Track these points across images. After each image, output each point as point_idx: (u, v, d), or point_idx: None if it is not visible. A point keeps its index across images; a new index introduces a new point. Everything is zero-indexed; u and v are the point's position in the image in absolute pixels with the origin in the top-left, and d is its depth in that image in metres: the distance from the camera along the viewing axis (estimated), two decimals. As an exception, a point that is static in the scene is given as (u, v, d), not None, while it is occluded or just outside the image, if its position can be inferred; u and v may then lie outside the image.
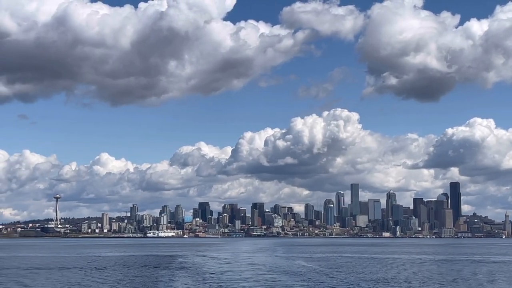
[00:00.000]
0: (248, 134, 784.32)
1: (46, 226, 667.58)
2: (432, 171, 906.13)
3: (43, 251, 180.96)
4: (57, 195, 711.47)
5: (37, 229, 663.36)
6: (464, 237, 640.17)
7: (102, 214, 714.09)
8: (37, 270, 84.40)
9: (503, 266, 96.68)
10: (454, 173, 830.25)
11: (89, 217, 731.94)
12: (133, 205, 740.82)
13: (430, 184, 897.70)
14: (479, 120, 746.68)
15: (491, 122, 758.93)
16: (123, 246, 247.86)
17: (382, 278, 68.10)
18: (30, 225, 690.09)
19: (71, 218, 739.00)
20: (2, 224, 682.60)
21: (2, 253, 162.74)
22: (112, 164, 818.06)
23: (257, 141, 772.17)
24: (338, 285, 58.63)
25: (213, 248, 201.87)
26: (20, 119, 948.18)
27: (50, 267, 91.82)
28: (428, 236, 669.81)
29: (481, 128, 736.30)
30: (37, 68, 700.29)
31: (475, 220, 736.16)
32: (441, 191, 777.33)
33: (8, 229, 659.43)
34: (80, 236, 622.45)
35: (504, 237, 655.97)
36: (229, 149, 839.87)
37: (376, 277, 70.33)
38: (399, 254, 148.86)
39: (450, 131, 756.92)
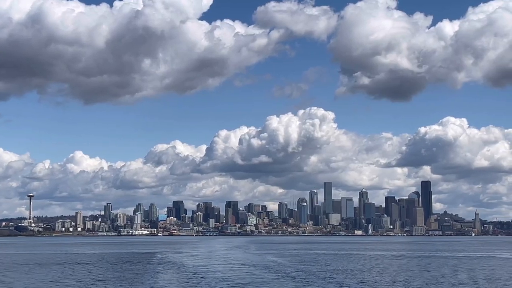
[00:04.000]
0: (223, 133, 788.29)
1: (19, 224, 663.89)
2: (405, 169, 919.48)
3: (19, 249, 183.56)
4: (30, 194, 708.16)
5: (10, 228, 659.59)
6: (434, 235, 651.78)
7: (76, 213, 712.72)
8: (17, 266, 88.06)
9: (468, 261, 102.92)
10: (426, 171, 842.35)
11: (62, 215, 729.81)
12: (107, 203, 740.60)
13: (403, 182, 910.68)
14: (452, 119, 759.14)
15: (463, 122, 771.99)
16: (99, 244, 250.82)
17: (350, 270, 73.39)
18: (3, 224, 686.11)
19: (44, 216, 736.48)
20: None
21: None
22: (86, 163, 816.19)
23: (232, 139, 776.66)
24: (306, 276, 63.71)
25: (188, 246, 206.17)
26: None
27: (30, 263, 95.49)
28: (399, 234, 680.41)
29: (454, 127, 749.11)
30: (10, 65, 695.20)
31: (446, 218, 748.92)
32: (413, 189, 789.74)
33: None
34: (54, 234, 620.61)
35: (473, 235, 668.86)
36: (204, 148, 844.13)
37: (344, 268, 75.62)
38: (370, 251, 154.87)
39: (423, 129, 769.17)
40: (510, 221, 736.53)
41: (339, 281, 57.61)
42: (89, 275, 67.69)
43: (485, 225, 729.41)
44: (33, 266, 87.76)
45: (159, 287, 52.67)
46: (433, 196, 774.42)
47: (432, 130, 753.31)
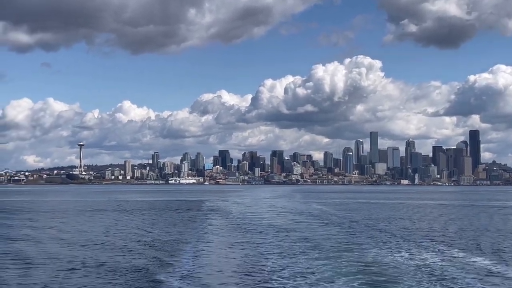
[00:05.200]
0: (269, 82, 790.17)
1: (70, 173, 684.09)
2: (453, 118, 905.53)
3: (74, 196, 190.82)
4: (81, 143, 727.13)
5: (62, 176, 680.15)
6: (482, 185, 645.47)
7: (125, 161, 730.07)
8: (76, 212, 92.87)
9: (508, 210, 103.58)
10: (475, 120, 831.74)
11: (111, 164, 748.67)
12: (154, 152, 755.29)
13: (451, 131, 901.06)
14: (502, 67, 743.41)
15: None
16: (148, 192, 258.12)
17: (393, 218, 75.24)
18: (55, 172, 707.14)
19: (94, 165, 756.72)
20: (27, 171, 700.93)
21: (33, 197, 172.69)
22: (134, 112, 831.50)
23: (278, 88, 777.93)
24: (349, 223, 65.96)
25: (234, 194, 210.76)
26: (43, 68, 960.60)
27: (87, 209, 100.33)
28: (446, 184, 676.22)
29: (505, 75, 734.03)
30: (59, 17, 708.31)
31: (494, 168, 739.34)
32: (462, 138, 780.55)
33: (34, 176, 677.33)
34: (104, 182, 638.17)
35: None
36: (249, 97, 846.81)
37: (387, 216, 77.52)
38: (415, 200, 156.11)
39: (472, 78, 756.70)
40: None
41: (381, 228, 59.66)
42: (143, 221, 71.35)
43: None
44: (92, 212, 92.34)
45: (210, 232, 55.65)
46: (481, 146, 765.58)
47: (481, 78, 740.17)
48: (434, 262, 34.79)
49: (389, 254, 38.48)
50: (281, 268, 32.47)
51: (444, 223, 69.25)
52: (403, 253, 39.57)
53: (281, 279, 28.95)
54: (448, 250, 41.10)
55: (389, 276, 29.76)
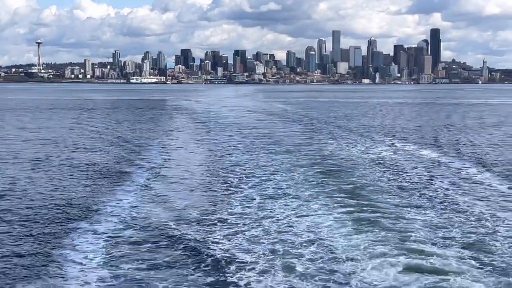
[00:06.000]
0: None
1: (29, 71, 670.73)
2: (415, 16, 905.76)
3: (33, 94, 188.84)
4: (38, 40, 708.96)
5: (20, 74, 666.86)
6: (441, 83, 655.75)
7: (85, 60, 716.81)
8: (37, 111, 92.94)
9: (460, 107, 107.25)
10: (436, 19, 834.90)
11: (71, 62, 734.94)
12: (115, 51, 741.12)
13: (413, 30, 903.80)
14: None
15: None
16: (110, 91, 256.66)
17: (353, 115, 77.67)
18: (13, 70, 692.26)
19: (53, 63, 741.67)
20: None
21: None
22: (93, 8, 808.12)
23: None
24: (309, 120, 68.11)
25: (198, 93, 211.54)
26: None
27: (49, 108, 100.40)
28: (406, 83, 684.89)
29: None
30: None
31: (454, 67, 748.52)
32: (423, 37, 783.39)
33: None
34: (63, 81, 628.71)
35: (480, 82, 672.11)
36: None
37: (348, 114, 79.96)
38: (375, 99, 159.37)
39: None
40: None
41: (340, 125, 61.95)
42: (107, 118, 72.32)
43: (492, 73, 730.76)
44: (55, 110, 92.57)
45: (175, 130, 57.16)
46: (442, 44, 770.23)
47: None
48: (387, 155, 37.04)
49: (346, 149, 40.66)
50: (243, 162, 34.29)
51: (402, 121, 72.01)
52: (359, 147, 41.81)
53: (243, 170, 30.79)
54: (403, 145, 43.49)
55: (344, 167, 31.85)
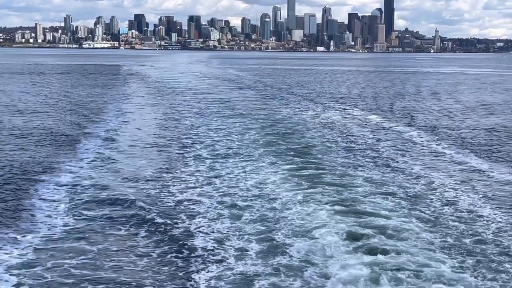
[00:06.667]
0: None
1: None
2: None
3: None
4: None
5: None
6: (394, 52, 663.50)
7: (35, 24, 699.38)
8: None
9: (411, 75, 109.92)
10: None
11: (21, 26, 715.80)
12: (66, 15, 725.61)
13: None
14: None
15: None
16: (62, 55, 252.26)
17: (306, 82, 79.13)
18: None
19: (3, 27, 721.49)
20: None
21: None
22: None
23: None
24: (264, 87, 69.27)
25: (152, 59, 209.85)
26: None
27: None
28: (360, 51, 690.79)
29: None
30: None
31: (407, 35, 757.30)
32: (377, 6, 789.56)
33: None
34: (14, 46, 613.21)
35: (432, 51, 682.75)
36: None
37: (301, 81, 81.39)
38: (329, 67, 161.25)
39: None
40: (469, 38, 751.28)
41: (293, 92, 63.37)
42: (60, 84, 72.01)
43: (444, 42, 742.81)
44: (7, 75, 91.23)
45: (130, 94, 57.60)
46: (395, 13, 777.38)
47: None
48: (337, 119, 38.62)
49: (298, 113, 42.07)
50: (197, 125, 35.36)
51: (352, 88, 73.83)
52: (310, 112, 43.29)
53: (197, 133, 31.91)
54: (351, 110, 45.16)
55: (294, 129, 33.28)
